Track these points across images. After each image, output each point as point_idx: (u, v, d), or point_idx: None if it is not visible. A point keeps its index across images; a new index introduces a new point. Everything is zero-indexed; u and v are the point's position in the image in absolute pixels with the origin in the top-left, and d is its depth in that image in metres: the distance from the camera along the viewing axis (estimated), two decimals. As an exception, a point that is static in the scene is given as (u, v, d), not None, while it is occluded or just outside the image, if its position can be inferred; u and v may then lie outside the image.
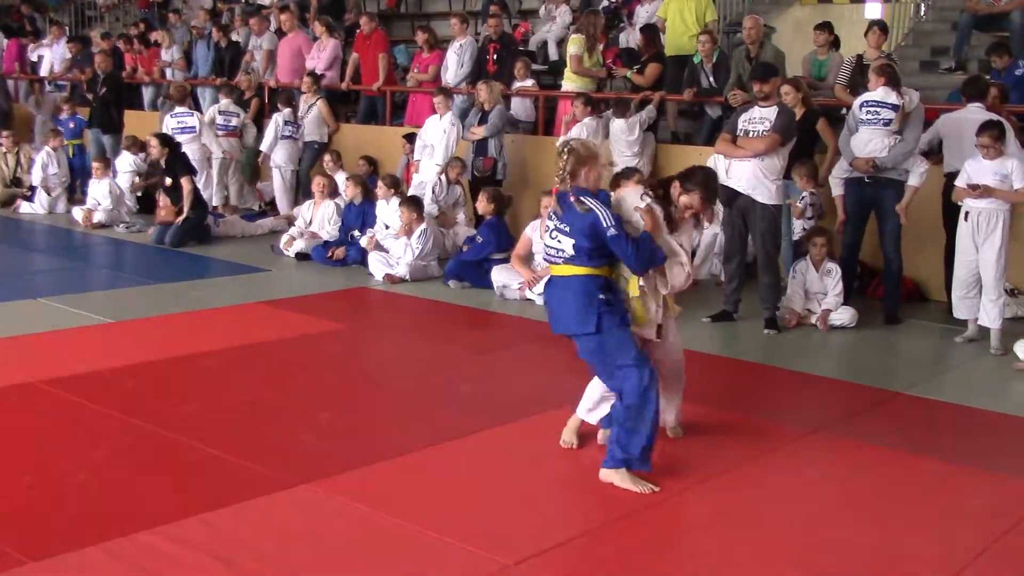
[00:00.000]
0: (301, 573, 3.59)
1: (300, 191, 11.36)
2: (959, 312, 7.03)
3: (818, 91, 9.13)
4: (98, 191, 11.11)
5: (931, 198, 7.65)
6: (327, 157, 10.99)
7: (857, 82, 8.46)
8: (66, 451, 4.63)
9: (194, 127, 11.19)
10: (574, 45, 10.38)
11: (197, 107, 12.53)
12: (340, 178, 10.30)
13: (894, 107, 7.18)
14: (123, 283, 8.59)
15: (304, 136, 11.53)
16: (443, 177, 9.65)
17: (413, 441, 4.89)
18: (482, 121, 9.74)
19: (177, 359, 6.18)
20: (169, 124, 11.16)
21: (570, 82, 10.47)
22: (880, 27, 9.22)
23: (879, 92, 7.27)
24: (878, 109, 7.23)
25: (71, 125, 13.36)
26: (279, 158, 11.25)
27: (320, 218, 9.76)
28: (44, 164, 12.05)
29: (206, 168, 11.32)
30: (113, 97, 13.03)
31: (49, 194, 11.93)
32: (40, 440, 4.78)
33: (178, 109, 11.26)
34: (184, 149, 10.73)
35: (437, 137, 9.78)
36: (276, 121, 11.26)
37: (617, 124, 9.17)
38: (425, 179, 9.80)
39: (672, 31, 10.41)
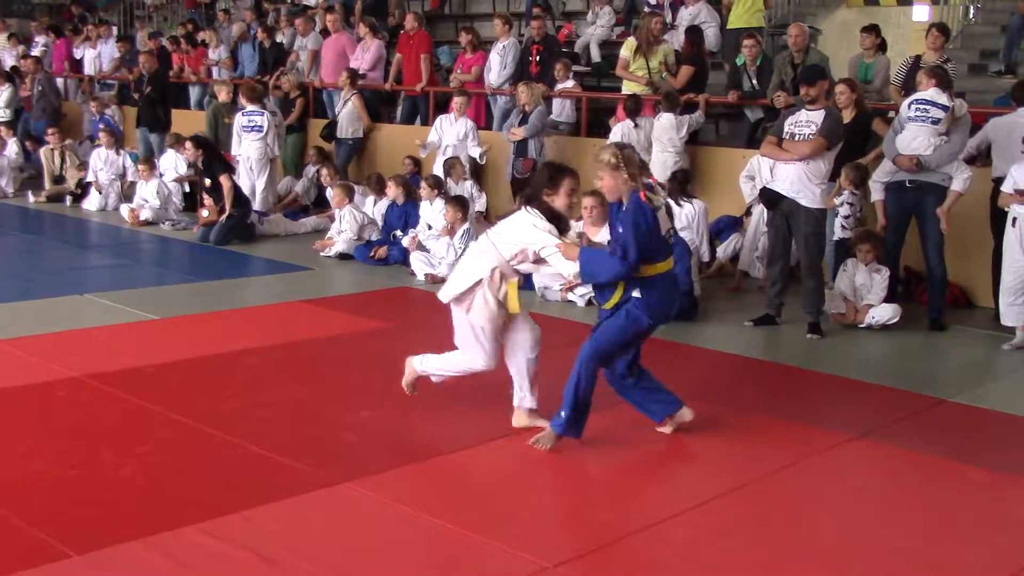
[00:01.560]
0: (341, 571, 3.61)
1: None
2: (1007, 319, 6.93)
3: (864, 94, 9.03)
4: (146, 191, 11.25)
5: (978, 203, 7.55)
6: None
7: (911, 84, 8.35)
8: (112, 445, 4.69)
9: (262, 126, 11.23)
10: (625, 48, 10.37)
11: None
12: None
13: (944, 108, 7.10)
14: (168, 280, 8.70)
15: (339, 132, 11.64)
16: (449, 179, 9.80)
17: (454, 441, 4.91)
18: (523, 122, 9.75)
19: (221, 356, 6.25)
20: (240, 121, 11.26)
21: (626, 86, 10.45)
22: (939, 29, 9.06)
23: (930, 92, 7.19)
24: (928, 108, 7.15)
25: (100, 125, 13.61)
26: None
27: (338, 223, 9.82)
28: (94, 163, 12.23)
29: (267, 167, 11.37)
30: (159, 96, 13.19)
31: (100, 192, 12.10)
32: (87, 434, 4.85)
33: (250, 108, 11.34)
34: (250, 147, 10.96)
35: (451, 139, 10.09)
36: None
37: (665, 118, 9.14)
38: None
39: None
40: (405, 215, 9.46)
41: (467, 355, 5.06)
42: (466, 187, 10.03)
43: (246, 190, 10.81)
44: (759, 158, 8.44)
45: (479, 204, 10.05)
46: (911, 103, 7.28)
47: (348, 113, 11.60)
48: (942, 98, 7.13)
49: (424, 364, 5.26)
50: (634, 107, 9.42)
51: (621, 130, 9.38)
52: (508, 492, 4.45)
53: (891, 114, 8.22)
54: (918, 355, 6.86)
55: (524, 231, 4.84)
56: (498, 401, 5.32)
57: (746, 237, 8.67)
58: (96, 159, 12.28)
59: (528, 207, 4.88)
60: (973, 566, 3.83)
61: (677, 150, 9.11)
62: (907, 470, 4.77)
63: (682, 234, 8.63)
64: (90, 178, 12.22)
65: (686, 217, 8.55)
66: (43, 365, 5.86)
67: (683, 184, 8.54)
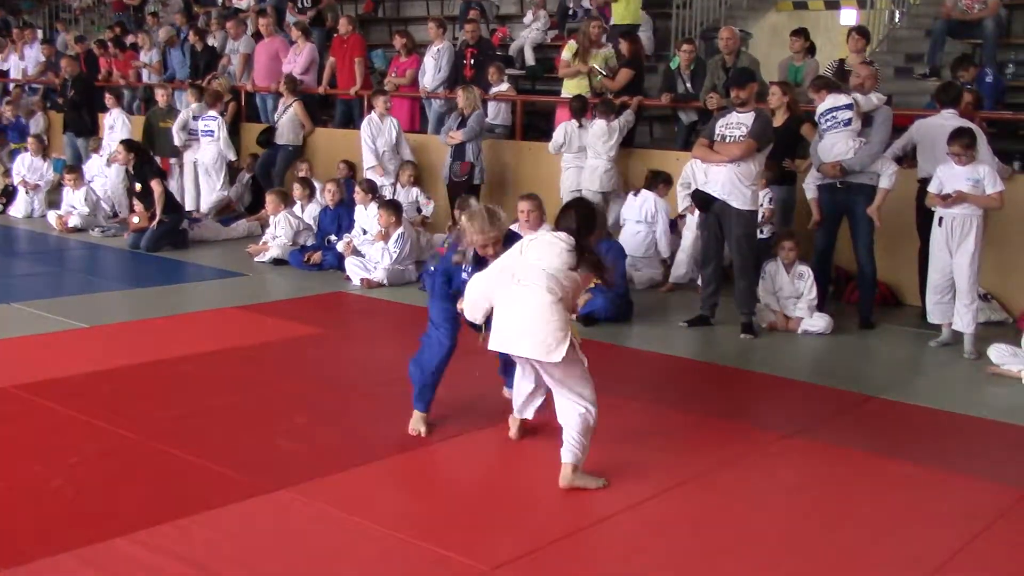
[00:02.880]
0: (277, 579, 3.57)
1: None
2: (933, 317, 7.09)
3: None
4: (74, 198, 11.04)
5: (905, 203, 7.71)
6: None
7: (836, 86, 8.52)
8: (40, 457, 4.58)
9: (214, 131, 11.19)
10: (566, 52, 10.43)
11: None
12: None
13: (848, 106, 7.27)
14: (98, 288, 8.52)
15: (279, 138, 11.57)
16: (396, 184, 9.81)
17: (389, 446, 4.88)
18: (461, 126, 9.74)
19: (153, 364, 6.15)
20: (197, 126, 11.39)
21: (565, 89, 10.49)
22: (860, 32, 9.31)
23: (828, 100, 7.37)
24: (835, 113, 7.33)
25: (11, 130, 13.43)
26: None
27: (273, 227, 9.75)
28: (18, 168, 11.96)
29: (222, 172, 11.27)
30: (83, 100, 12.95)
31: (28, 193, 11.85)
32: (13, 446, 4.73)
33: (209, 112, 11.25)
34: (205, 151, 11.08)
35: (383, 140, 10.14)
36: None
37: (597, 125, 9.19)
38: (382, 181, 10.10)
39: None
40: (339, 219, 9.40)
41: (585, 397, 4.44)
42: (413, 193, 9.98)
43: (191, 194, 10.74)
44: (692, 165, 8.51)
45: (427, 211, 9.98)
46: (820, 115, 7.45)
47: (288, 120, 11.49)
48: (841, 99, 7.31)
49: (577, 454, 4.44)
50: (580, 107, 9.43)
51: (565, 130, 9.40)
52: (443, 496, 4.44)
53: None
54: (849, 353, 6.99)
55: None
56: (434, 405, 5.31)
57: (682, 247, 8.68)
58: (20, 165, 12.01)
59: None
60: (903, 558, 3.91)
61: (608, 156, 9.14)
62: (838, 466, 4.86)
63: (635, 226, 8.73)
64: (16, 182, 11.93)
65: (639, 209, 8.66)
66: (-33, 376, 5.71)
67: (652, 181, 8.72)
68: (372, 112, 10.26)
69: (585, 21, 10.89)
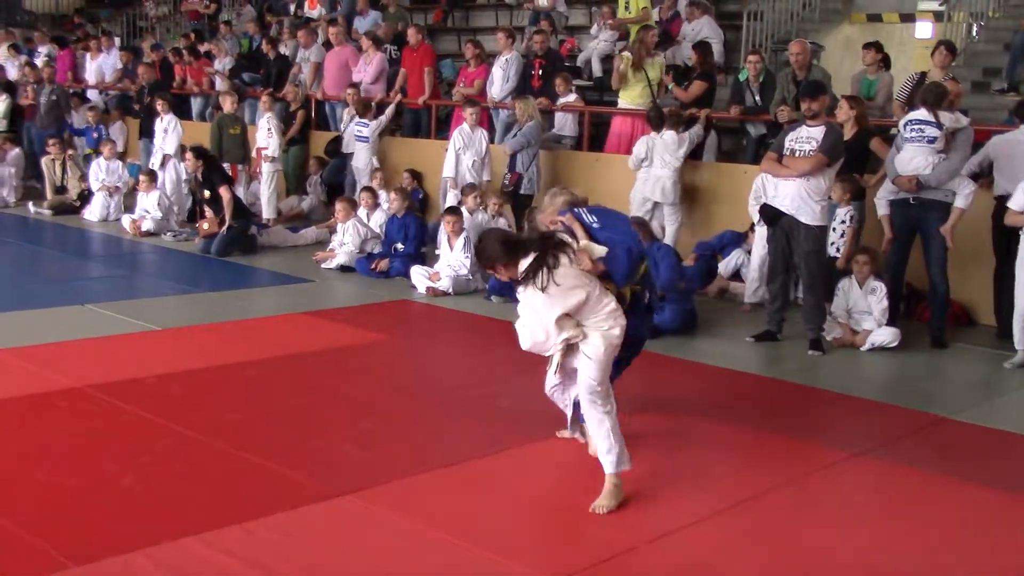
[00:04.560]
0: (340, 584, 3.60)
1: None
2: (1022, 342, 6.85)
3: (867, 111, 9.04)
4: (147, 202, 11.26)
5: (980, 220, 7.55)
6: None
7: (916, 100, 8.34)
8: (112, 456, 4.68)
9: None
10: (622, 63, 10.40)
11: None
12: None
13: (939, 125, 7.10)
14: (169, 291, 8.69)
15: (346, 148, 11.74)
16: (484, 211, 9.50)
17: (453, 454, 4.90)
18: (514, 137, 9.78)
19: (221, 367, 6.25)
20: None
21: (621, 99, 10.46)
22: (947, 47, 8.97)
23: (921, 112, 7.20)
24: (922, 127, 7.16)
25: (95, 135, 13.70)
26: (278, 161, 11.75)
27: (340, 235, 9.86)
28: (95, 173, 12.25)
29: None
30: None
31: (112, 195, 12.11)
32: (87, 444, 4.84)
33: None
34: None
35: (474, 151, 10.08)
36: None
37: (668, 135, 9.13)
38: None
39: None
40: (405, 228, 9.47)
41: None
42: (500, 223, 9.38)
43: (271, 202, 11.12)
44: (764, 178, 8.40)
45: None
46: (906, 123, 7.30)
47: (371, 146, 11.60)
48: (933, 117, 7.15)
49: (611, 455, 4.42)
50: (658, 118, 9.36)
51: (646, 144, 9.28)
52: (508, 505, 4.43)
53: (893, 131, 8.23)
54: (920, 373, 6.85)
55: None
56: (498, 415, 5.33)
57: (753, 265, 8.48)
58: (97, 169, 12.29)
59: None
60: (974, 584, 3.82)
61: (674, 168, 9.07)
62: (908, 488, 4.76)
63: None
64: (94, 187, 12.21)
65: None
66: (44, 375, 5.85)
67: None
68: (464, 123, 10.31)
69: (640, 30, 10.85)
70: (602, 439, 4.38)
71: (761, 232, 8.36)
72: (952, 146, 7.16)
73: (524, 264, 4.22)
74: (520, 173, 9.74)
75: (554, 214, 4.73)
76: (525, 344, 4.38)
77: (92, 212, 12.05)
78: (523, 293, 4.29)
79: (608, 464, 4.37)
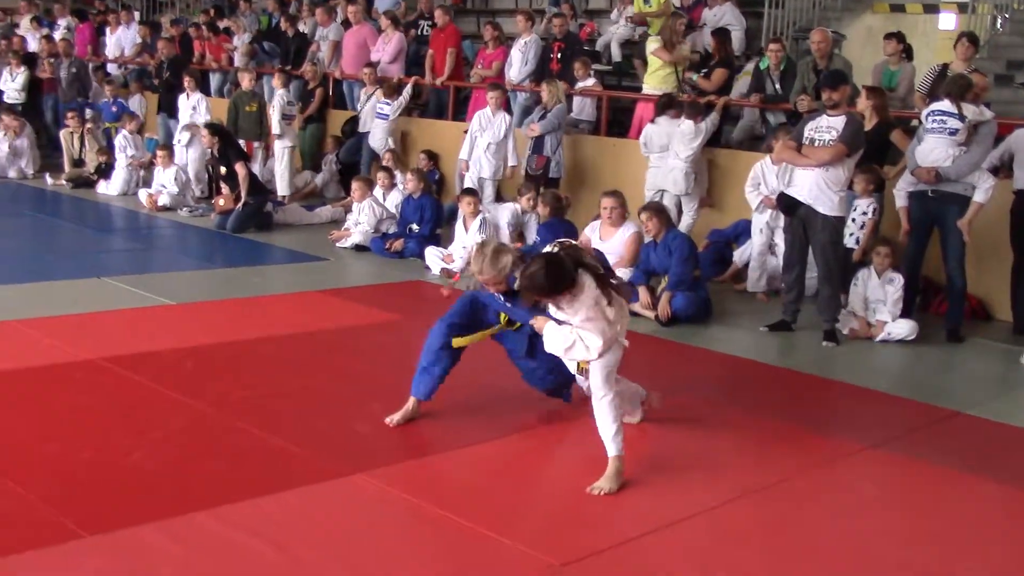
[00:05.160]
0: (350, 562, 3.61)
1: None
2: None
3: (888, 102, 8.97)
4: (164, 177, 11.27)
5: (998, 214, 7.50)
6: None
7: (937, 92, 8.27)
8: (124, 429, 4.71)
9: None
10: (652, 44, 10.35)
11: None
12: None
13: (961, 118, 7.04)
14: (185, 266, 8.72)
15: (362, 127, 11.72)
16: (518, 207, 9.23)
17: (465, 436, 4.91)
18: (542, 119, 9.74)
19: (235, 343, 6.27)
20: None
21: (647, 84, 10.41)
22: (969, 39, 8.83)
23: (944, 103, 7.14)
24: (944, 119, 7.10)
25: (113, 109, 13.69)
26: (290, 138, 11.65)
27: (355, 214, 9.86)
28: (122, 146, 12.27)
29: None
30: (178, 82, 13.23)
31: (144, 169, 12.14)
32: (101, 417, 4.87)
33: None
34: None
35: (491, 134, 9.97)
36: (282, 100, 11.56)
37: (686, 125, 9.09)
38: (482, 175, 10.03)
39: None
40: (421, 209, 9.47)
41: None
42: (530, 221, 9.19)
43: (284, 178, 11.24)
44: (763, 165, 8.38)
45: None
46: (928, 114, 7.24)
47: (390, 124, 11.54)
48: (956, 109, 7.09)
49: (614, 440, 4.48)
50: (667, 103, 9.32)
51: (647, 133, 9.28)
52: (517, 489, 4.44)
53: (914, 123, 8.18)
54: (935, 366, 6.82)
55: None
56: (508, 398, 5.33)
57: (753, 255, 8.49)
58: (124, 142, 12.29)
59: None
60: (984, 579, 3.81)
61: (686, 158, 9.01)
62: (921, 482, 4.74)
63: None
64: (121, 161, 12.17)
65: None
66: (60, 347, 5.88)
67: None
68: (486, 107, 10.27)
69: (670, 16, 10.79)
70: (610, 422, 4.39)
71: (759, 219, 8.35)
72: (974, 139, 7.09)
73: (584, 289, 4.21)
74: (548, 156, 9.72)
75: (500, 279, 4.57)
76: (601, 348, 4.29)
77: (113, 186, 12.04)
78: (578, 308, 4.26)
79: (613, 447, 4.38)
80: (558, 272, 4.17)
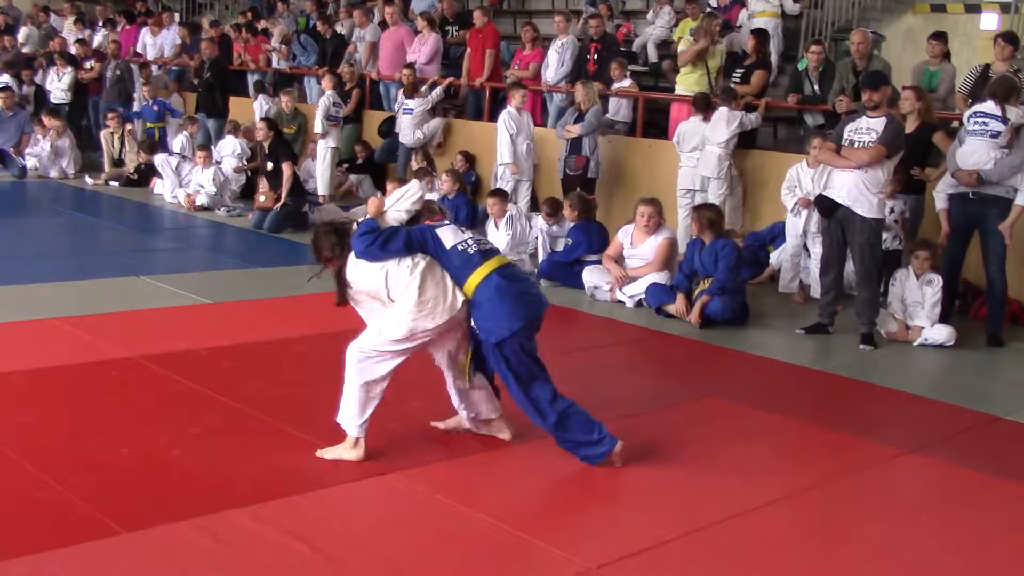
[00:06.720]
0: (384, 560, 3.62)
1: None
2: None
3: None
4: (203, 177, 11.36)
5: (1042, 218, 7.38)
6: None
7: (979, 93, 8.16)
8: (162, 426, 4.75)
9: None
10: (683, 46, 10.30)
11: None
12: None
13: (1004, 120, 6.94)
14: (222, 265, 8.79)
15: (398, 129, 11.76)
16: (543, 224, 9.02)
17: (498, 438, 4.89)
18: (578, 120, 9.72)
19: (271, 342, 6.31)
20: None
21: (679, 86, 10.37)
22: (1007, 39, 8.64)
23: (988, 104, 7.04)
24: (987, 120, 7.01)
25: (154, 108, 13.80)
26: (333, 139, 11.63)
27: None
28: (183, 147, 12.39)
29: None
30: (218, 83, 13.36)
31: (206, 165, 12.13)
32: (138, 414, 4.91)
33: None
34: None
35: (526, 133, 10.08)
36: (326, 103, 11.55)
37: (721, 111, 9.04)
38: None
39: None
40: (456, 208, 9.48)
41: None
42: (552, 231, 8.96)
43: (324, 179, 11.34)
44: (798, 168, 8.36)
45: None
46: (970, 116, 7.15)
47: (414, 121, 11.59)
48: (1000, 111, 6.98)
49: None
50: (704, 102, 9.31)
51: (682, 129, 9.23)
52: (551, 491, 4.44)
53: (955, 124, 8.07)
54: (975, 371, 6.73)
55: None
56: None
57: (785, 256, 8.48)
58: (185, 142, 12.42)
59: None
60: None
61: (723, 146, 8.96)
62: (960, 487, 4.68)
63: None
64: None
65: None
66: (98, 344, 5.95)
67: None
68: (509, 106, 10.27)
69: (705, 17, 10.74)
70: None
71: (794, 222, 8.31)
72: (1016, 142, 6.99)
73: None
74: (587, 156, 9.72)
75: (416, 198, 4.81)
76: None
77: (164, 186, 11.83)
78: None
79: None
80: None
